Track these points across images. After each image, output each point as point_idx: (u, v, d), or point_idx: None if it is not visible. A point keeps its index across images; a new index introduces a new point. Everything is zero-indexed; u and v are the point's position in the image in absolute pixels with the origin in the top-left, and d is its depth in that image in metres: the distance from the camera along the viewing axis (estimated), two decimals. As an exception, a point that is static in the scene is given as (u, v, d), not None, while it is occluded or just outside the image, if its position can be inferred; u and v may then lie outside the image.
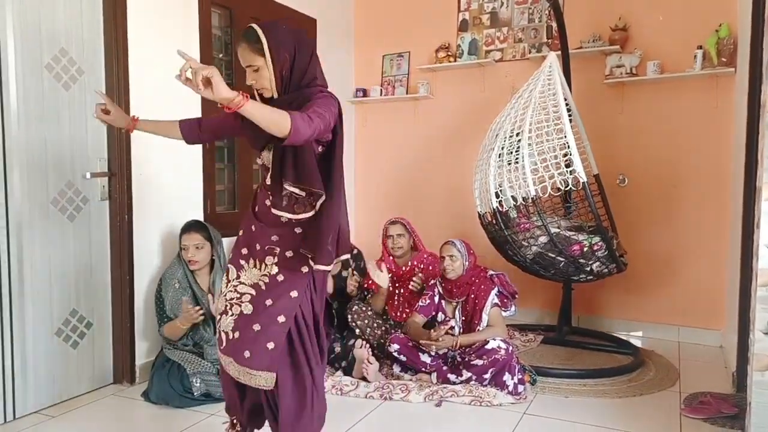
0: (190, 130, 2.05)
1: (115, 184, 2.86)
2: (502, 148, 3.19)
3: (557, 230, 3.16)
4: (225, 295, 1.91)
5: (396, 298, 3.44)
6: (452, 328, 3.00)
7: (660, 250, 3.77)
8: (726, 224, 3.57)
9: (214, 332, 2.83)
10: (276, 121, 1.55)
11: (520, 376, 2.80)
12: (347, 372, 3.01)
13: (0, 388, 2.45)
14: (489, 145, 3.37)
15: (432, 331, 2.87)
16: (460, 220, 4.22)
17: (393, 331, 3.18)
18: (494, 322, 2.97)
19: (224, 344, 1.89)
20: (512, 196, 3.12)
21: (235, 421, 2.07)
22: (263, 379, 1.85)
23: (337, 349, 3.12)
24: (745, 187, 2.76)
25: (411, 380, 2.92)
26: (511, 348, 2.83)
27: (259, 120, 1.55)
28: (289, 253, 1.86)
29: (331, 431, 2.40)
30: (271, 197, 1.86)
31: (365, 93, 4.64)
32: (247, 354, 1.83)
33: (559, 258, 3.15)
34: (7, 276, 2.46)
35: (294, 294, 1.86)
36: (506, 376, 2.77)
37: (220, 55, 3.53)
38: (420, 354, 2.93)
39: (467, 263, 3.03)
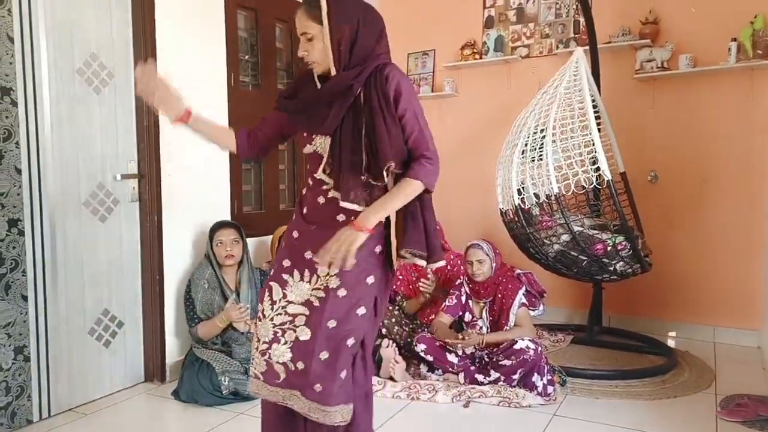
0: (244, 141, 1.76)
1: (145, 185, 2.91)
2: (526, 145, 3.15)
3: (580, 228, 3.10)
4: (271, 320, 1.63)
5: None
6: (480, 328, 2.97)
7: (694, 248, 3.68)
8: (762, 221, 3.46)
9: (242, 332, 2.86)
10: (411, 194, 1.53)
11: (549, 377, 2.76)
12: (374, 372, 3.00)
13: (35, 386, 2.51)
14: (512, 141, 3.33)
15: (460, 333, 2.86)
16: (486, 219, 4.18)
17: (419, 330, 3.16)
18: (522, 322, 2.93)
19: (282, 377, 1.61)
20: (535, 194, 3.07)
21: None
22: (340, 414, 1.57)
23: (364, 348, 3.11)
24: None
25: (438, 380, 2.90)
26: (540, 348, 2.79)
27: (397, 207, 1.54)
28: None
29: None
30: (336, 189, 1.57)
31: (390, 92, 4.62)
32: (318, 387, 1.56)
33: (581, 257, 3.09)
34: (41, 276, 2.52)
35: (361, 311, 1.59)
36: (535, 377, 2.73)
37: (246, 57, 3.56)
38: (447, 354, 2.91)
39: (495, 264, 2.99)
